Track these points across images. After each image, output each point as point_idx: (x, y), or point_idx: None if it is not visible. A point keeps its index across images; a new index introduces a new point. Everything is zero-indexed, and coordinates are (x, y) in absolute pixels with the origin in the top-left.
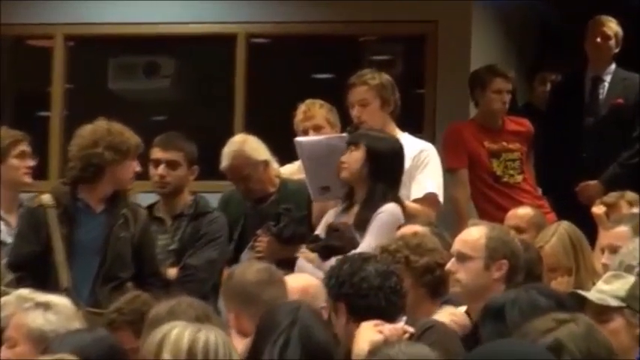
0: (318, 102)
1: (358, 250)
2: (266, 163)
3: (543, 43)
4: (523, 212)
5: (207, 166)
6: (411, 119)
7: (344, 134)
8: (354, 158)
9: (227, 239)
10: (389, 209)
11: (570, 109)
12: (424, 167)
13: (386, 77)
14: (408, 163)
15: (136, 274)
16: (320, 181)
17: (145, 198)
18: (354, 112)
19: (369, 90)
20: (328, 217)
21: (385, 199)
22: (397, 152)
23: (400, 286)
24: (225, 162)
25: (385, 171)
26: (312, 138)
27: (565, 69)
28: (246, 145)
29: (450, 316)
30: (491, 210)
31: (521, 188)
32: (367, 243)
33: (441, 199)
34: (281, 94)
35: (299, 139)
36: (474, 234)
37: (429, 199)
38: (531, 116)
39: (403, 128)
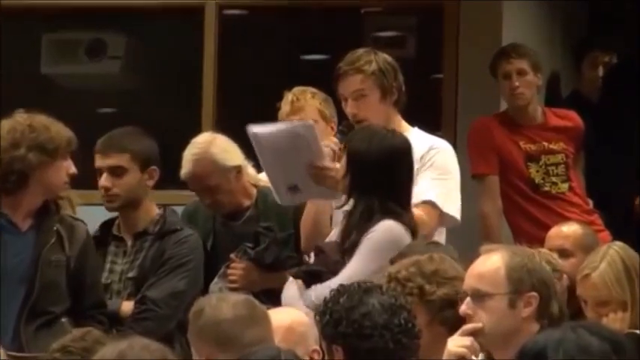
0: (310, 90)
1: (337, 279)
2: (239, 170)
3: (594, 17)
4: (569, 230)
5: (168, 171)
6: (427, 113)
7: (310, 122)
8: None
9: (201, 265)
10: (382, 228)
11: (629, 99)
12: (427, 168)
13: (385, 58)
14: (415, 164)
15: (72, 308)
16: (286, 179)
17: (100, 212)
18: (348, 109)
19: (366, 79)
20: (332, 235)
21: (373, 216)
22: (396, 152)
23: (412, 323)
24: (186, 168)
25: (373, 178)
26: (269, 127)
27: (622, 49)
28: (213, 146)
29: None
30: (529, 227)
31: (566, 200)
32: (350, 271)
33: (452, 211)
34: (261, 80)
35: (253, 128)
36: (491, 264)
37: (426, 208)
38: (579, 108)
39: (416, 124)
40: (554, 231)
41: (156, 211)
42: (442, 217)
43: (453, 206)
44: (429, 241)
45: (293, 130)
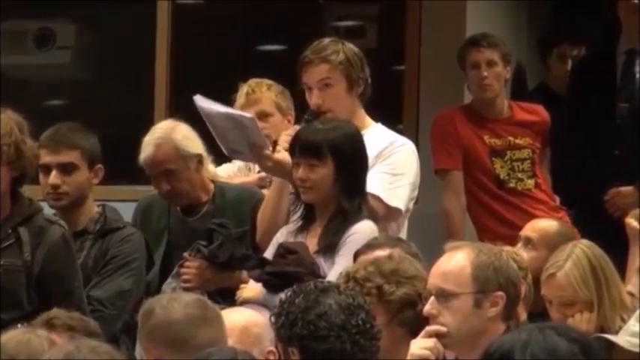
0: (266, 82)
1: (329, 279)
2: (200, 160)
3: (561, 7)
4: (542, 225)
5: (119, 166)
6: (388, 105)
7: (249, 115)
8: (319, 176)
9: (144, 264)
10: (364, 230)
11: (598, 92)
12: (382, 162)
13: (352, 49)
14: (371, 159)
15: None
16: (230, 142)
17: None
18: (313, 99)
19: (332, 69)
20: (279, 237)
21: (360, 215)
22: (363, 149)
23: (371, 324)
24: (146, 152)
25: (358, 180)
26: (212, 107)
27: (591, 41)
28: (175, 132)
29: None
30: (494, 224)
31: (532, 196)
32: (342, 269)
33: (397, 203)
34: (216, 70)
35: (199, 100)
36: (456, 262)
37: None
38: (546, 102)
39: (377, 117)
40: (531, 222)
41: (95, 209)
42: (389, 212)
43: (397, 199)
44: (395, 237)
45: (233, 115)
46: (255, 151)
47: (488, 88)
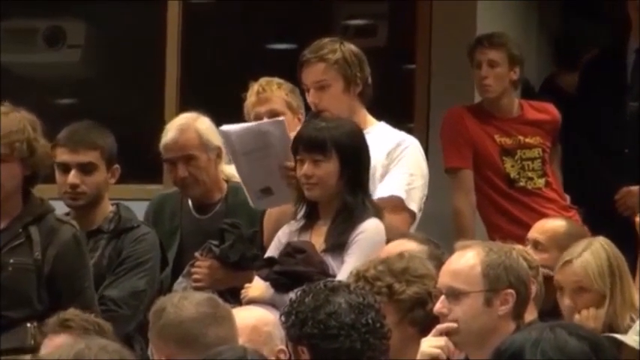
0: (276, 81)
1: (339, 278)
2: (218, 154)
3: (572, 6)
4: (550, 225)
5: (130, 165)
6: (399, 104)
7: (280, 118)
8: (324, 171)
9: (158, 263)
10: (372, 228)
11: (608, 90)
12: (396, 164)
13: (350, 49)
14: (381, 159)
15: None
16: (258, 181)
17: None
18: (310, 98)
19: (328, 68)
20: (281, 236)
21: (367, 213)
22: (366, 146)
23: (381, 323)
24: (169, 135)
25: (362, 176)
26: (239, 126)
27: (602, 40)
28: (199, 122)
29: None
30: (504, 223)
31: (543, 195)
32: (352, 268)
33: (412, 205)
34: (227, 70)
35: (225, 127)
36: (466, 261)
37: (392, 202)
38: (555, 99)
39: (387, 116)
40: (538, 222)
41: (110, 208)
42: (412, 216)
43: (413, 202)
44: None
45: (262, 127)
46: (286, 173)
47: (487, 89)
